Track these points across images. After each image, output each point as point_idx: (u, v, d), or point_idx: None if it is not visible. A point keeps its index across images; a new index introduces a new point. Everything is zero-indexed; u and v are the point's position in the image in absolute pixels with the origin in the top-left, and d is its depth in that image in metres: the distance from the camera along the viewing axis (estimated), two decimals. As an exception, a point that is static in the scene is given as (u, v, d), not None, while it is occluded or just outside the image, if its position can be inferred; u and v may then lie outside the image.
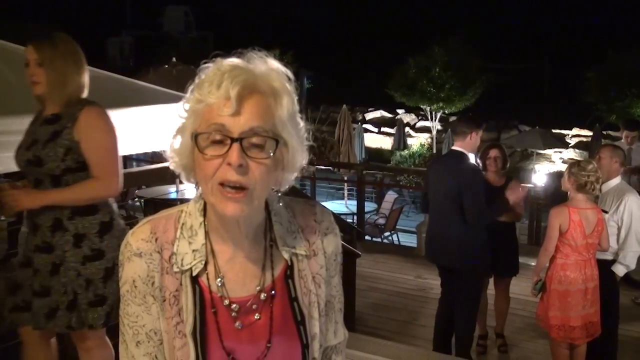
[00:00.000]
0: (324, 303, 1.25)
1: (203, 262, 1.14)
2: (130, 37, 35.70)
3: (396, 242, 9.98)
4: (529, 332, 5.38)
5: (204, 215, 1.17)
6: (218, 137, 1.04)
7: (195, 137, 1.05)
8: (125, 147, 3.75)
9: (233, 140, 1.03)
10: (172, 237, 1.16)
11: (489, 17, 30.39)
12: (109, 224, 2.66)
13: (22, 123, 3.02)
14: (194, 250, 1.15)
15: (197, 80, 1.08)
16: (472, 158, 4.54)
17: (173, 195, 6.80)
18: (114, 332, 1.22)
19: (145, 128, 3.59)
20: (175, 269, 1.14)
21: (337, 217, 6.03)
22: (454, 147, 4.57)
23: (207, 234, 1.16)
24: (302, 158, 1.15)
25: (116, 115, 3.54)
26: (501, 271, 5.05)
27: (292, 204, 1.26)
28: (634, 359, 4.91)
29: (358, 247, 5.54)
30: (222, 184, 1.04)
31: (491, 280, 5.16)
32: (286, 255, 1.20)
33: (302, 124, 1.16)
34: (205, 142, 1.05)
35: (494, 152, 4.95)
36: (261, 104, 1.06)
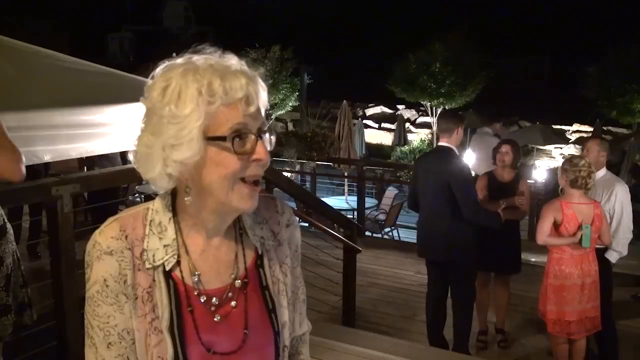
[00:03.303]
0: (291, 292, 1.28)
1: (176, 257, 1.15)
2: (130, 33, 35.65)
3: (396, 238, 9.98)
4: (529, 328, 5.38)
5: (173, 211, 1.17)
6: (242, 135, 1.06)
7: (232, 138, 1.05)
8: (126, 142, 3.75)
9: (257, 137, 1.08)
10: (142, 234, 1.15)
11: (489, 13, 30.32)
12: (2, 228, 2.49)
13: (23, 119, 3.02)
14: (165, 246, 1.15)
15: (191, 82, 1.05)
16: (458, 153, 4.62)
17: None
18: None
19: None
20: (148, 265, 1.14)
21: (338, 212, 6.03)
22: (440, 143, 4.63)
23: (177, 228, 1.17)
24: None
25: (116, 111, 3.55)
26: (502, 268, 5.07)
27: None
28: (634, 355, 4.91)
29: (358, 243, 5.54)
30: (243, 180, 1.08)
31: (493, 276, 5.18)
32: (257, 244, 1.23)
33: None
34: (233, 143, 1.06)
35: (505, 148, 5.01)
36: (260, 98, 1.11)
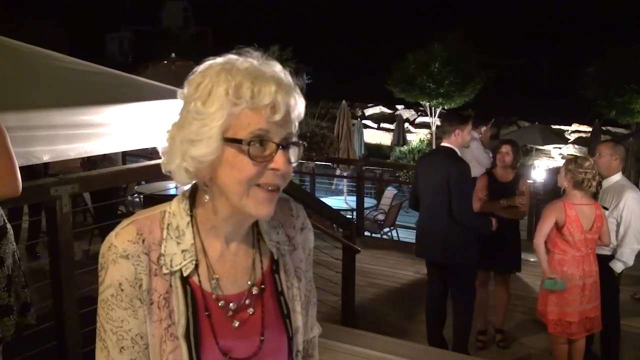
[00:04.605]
0: (304, 297, 1.27)
1: (194, 262, 1.14)
2: (129, 33, 35.66)
3: (395, 238, 9.98)
4: (529, 327, 5.38)
5: (191, 215, 1.16)
6: (264, 142, 1.05)
7: (248, 142, 1.05)
8: (125, 143, 3.76)
9: (279, 146, 1.06)
10: (159, 238, 1.14)
11: (488, 13, 30.33)
12: (3, 229, 2.53)
13: (21, 119, 3.02)
14: (183, 251, 1.14)
15: (223, 82, 1.05)
16: (460, 154, 4.60)
17: (172, 191, 6.79)
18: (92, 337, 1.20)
19: (145, 124, 3.59)
20: (165, 270, 1.12)
21: (337, 212, 6.02)
22: (442, 144, 4.62)
23: (195, 233, 1.15)
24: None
25: (115, 111, 3.55)
26: (502, 268, 5.07)
27: None
28: (634, 355, 4.91)
29: (357, 243, 5.54)
30: (259, 185, 1.07)
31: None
32: (273, 250, 1.22)
33: None
34: (251, 148, 1.05)
35: (505, 148, 5.01)
36: (291, 110, 1.09)
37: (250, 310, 1.17)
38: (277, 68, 1.10)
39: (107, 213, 6.08)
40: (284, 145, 1.07)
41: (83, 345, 3.18)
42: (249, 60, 1.09)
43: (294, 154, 1.10)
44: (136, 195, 8.60)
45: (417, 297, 6.10)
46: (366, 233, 9.21)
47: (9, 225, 2.59)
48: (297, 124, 1.12)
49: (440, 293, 4.78)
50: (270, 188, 1.08)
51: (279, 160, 1.06)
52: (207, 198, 1.13)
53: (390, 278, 6.85)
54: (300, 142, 1.11)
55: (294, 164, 1.11)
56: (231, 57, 1.09)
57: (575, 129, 21.61)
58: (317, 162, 12.63)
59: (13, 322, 2.53)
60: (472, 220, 4.51)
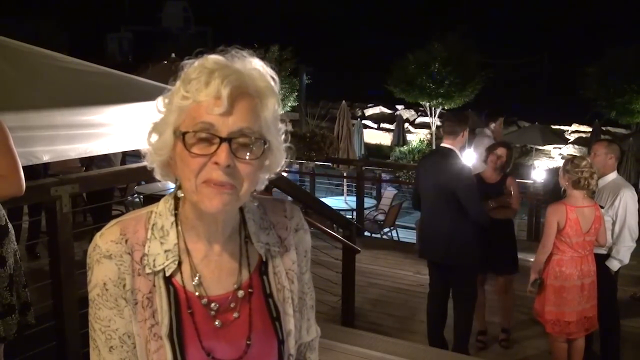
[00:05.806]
0: (297, 299, 1.25)
1: (176, 262, 1.13)
2: (129, 33, 35.60)
3: (395, 238, 9.98)
4: (529, 327, 5.38)
5: (176, 215, 1.16)
6: (206, 135, 1.04)
7: (182, 134, 1.05)
8: (125, 143, 3.76)
9: (222, 140, 1.04)
10: (143, 238, 1.14)
11: (488, 13, 30.33)
12: (5, 228, 2.54)
13: (21, 119, 3.02)
14: (166, 251, 1.14)
15: (182, 77, 1.08)
16: (460, 155, 4.59)
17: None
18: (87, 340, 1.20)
19: (144, 124, 3.59)
20: (148, 270, 1.13)
21: (337, 212, 6.03)
22: (443, 144, 4.59)
23: (179, 233, 1.15)
24: (282, 160, 1.17)
25: (115, 112, 3.55)
26: (498, 269, 5.05)
27: (262, 201, 1.27)
28: (633, 354, 4.92)
29: (357, 243, 5.54)
30: (206, 182, 1.05)
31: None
32: (261, 251, 1.21)
33: (281, 125, 1.16)
34: (192, 140, 1.05)
35: (500, 150, 4.96)
36: (250, 104, 1.07)
37: (236, 314, 1.16)
38: (252, 64, 1.09)
39: (101, 214, 6.09)
40: (230, 139, 1.04)
41: (83, 345, 3.18)
42: (225, 57, 1.08)
43: (250, 150, 1.07)
44: (136, 195, 8.60)
45: (417, 297, 6.11)
46: (366, 233, 9.22)
47: (10, 225, 2.60)
48: (272, 123, 1.11)
49: (442, 293, 4.77)
50: (215, 183, 1.05)
51: (220, 154, 1.03)
52: (180, 192, 1.14)
53: (390, 278, 6.85)
54: (265, 139, 1.08)
55: (253, 161, 1.07)
56: (211, 56, 1.09)
57: (575, 129, 21.60)
58: (317, 162, 12.62)
59: (15, 321, 2.54)
60: (486, 216, 4.51)
